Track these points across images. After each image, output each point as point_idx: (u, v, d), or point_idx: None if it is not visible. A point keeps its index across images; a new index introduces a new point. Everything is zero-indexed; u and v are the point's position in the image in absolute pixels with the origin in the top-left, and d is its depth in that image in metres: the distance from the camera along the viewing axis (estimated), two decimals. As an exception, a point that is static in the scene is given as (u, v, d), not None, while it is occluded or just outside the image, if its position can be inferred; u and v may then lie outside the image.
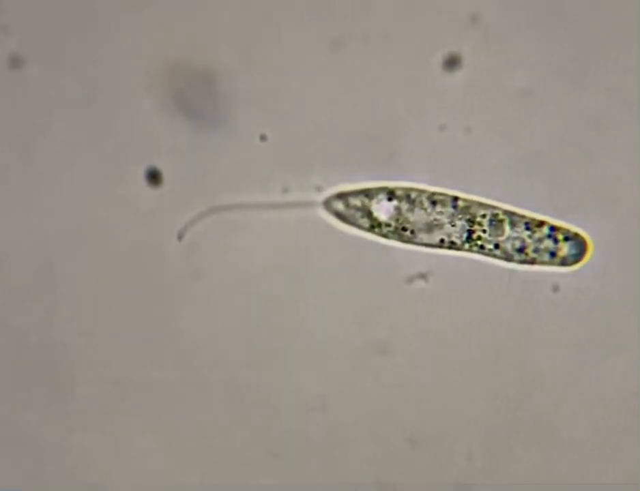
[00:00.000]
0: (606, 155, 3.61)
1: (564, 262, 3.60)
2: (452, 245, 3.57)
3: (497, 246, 3.57)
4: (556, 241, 3.58)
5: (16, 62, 3.62)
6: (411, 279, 3.63)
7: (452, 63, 3.57)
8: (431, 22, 3.58)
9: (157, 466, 3.74)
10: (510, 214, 3.58)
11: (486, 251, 3.58)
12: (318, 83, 3.62)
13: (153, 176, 3.62)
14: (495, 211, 3.57)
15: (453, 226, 3.53)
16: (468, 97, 3.59)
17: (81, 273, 3.69)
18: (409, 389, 3.72)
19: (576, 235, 3.59)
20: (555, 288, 3.64)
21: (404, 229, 3.54)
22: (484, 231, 3.55)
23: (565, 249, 3.57)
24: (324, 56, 3.59)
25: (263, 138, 3.61)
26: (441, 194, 3.57)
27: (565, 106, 3.60)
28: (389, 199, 3.52)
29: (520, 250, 3.58)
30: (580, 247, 3.59)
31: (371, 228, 3.57)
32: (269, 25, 3.61)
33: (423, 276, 3.62)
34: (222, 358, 3.70)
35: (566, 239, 3.58)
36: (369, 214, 3.53)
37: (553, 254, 3.58)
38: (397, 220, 3.53)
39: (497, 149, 3.61)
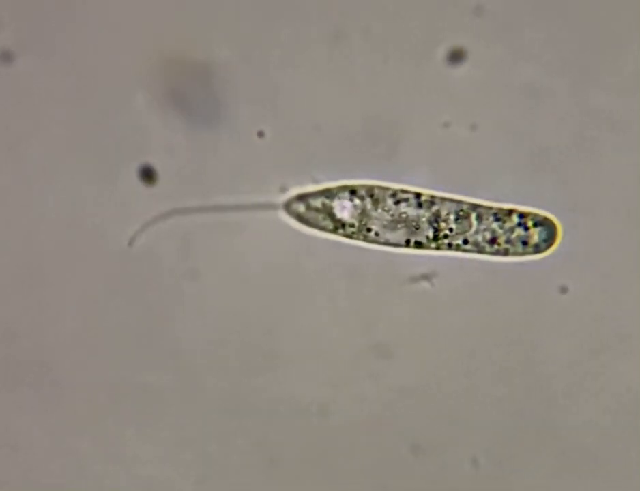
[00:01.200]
0: (616, 151, 3.61)
1: (537, 250, 3.61)
2: (419, 245, 3.56)
3: (466, 241, 3.55)
4: (526, 228, 3.58)
5: (5, 57, 3.60)
6: (413, 280, 3.61)
7: (456, 56, 3.56)
8: (434, 14, 3.57)
9: (152, 473, 3.72)
10: (476, 207, 3.58)
11: (454, 247, 3.58)
12: (318, 78, 3.61)
13: (147, 174, 3.59)
14: (461, 206, 3.57)
15: (417, 228, 3.54)
16: (473, 93, 3.59)
17: (73, 274, 3.67)
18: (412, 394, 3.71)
19: (545, 219, 3.60)
20: (563, 290, 3.61)
21: (368, 230, 3.55)
22: (451, 230, 3.56)
23: (536, 236, 3.59)
24: (324, 51, 3.58)
25: (260, 134, 3.59)
26: (404, 192, 3.57)
27: (573, 101, 3.60)
28: (351, 199, 3.53)
29: (492, 242, 3.57)
30: (550, 232, 3.61)
31: (335, 230, 3.56)
32: (267, 19, 3.60)
33: (427, 277, 3.60)
34: (219, 362, 3.70)
35: (535, 224, 3.59)
36: (331, 215, 3.51)
37: (525, 243, 3.59)
38: (360, 220, 3.54)
39: (502, 146, 3.61)
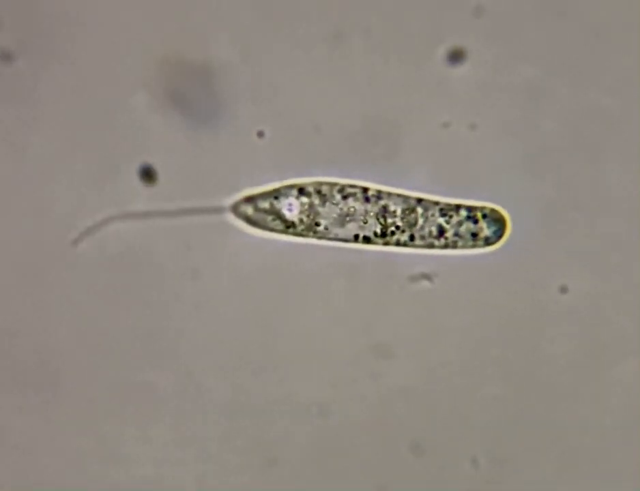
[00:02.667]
0: (616, 151, 3.61)
1: (487, 242, 3.62)
2: (367, 240, 3.57)
3: (412, 237, 3.58)
4: (475, 221, 3.59)
5: (5, 57, 3.60)
6: (413, 280, 3.60)
7: (456, 57, 3.56)
8: (434, 14, 3.57)
9: (152, 473, 3.71)
10: (423, 202, 3.59)
11: (402, 242, 3.59)
12: (318, 78, 3.60)
13: (147, 174, 3.59)
14: (408, 201, 3.58)
15: (365, 223, 3.54)
16: (473, 93, 3.59)
17: (72, 273, 3.66)
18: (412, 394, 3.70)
19: (493, 211, 3.61)
20: (563, 290, 3.61)
21: (317, 224, 3.56)
22: (397, 227, 3.56)
23: (485, 228, 3.60)
24: (324, 51, 3.57)
25: (260, 134, 3.59)
26: (352, 187, 3.57)
27: (573, 101, 3.60)
28: (297, 197, 3.53)
29: (439, 236, 3.58)
30: (499, 224, 3.61)
31: (286, 230, 3.58)
32: (267, 19, 3.59)
33: (427, 276, 3.59)
34: (219, 362, 3.69)
35: (484, 216, 3.60)
36: (279, 215, 3.53)
37: (474, 235, 3.60)
38: (308, 217, 3.55)
39: (502, 146, 3.61)
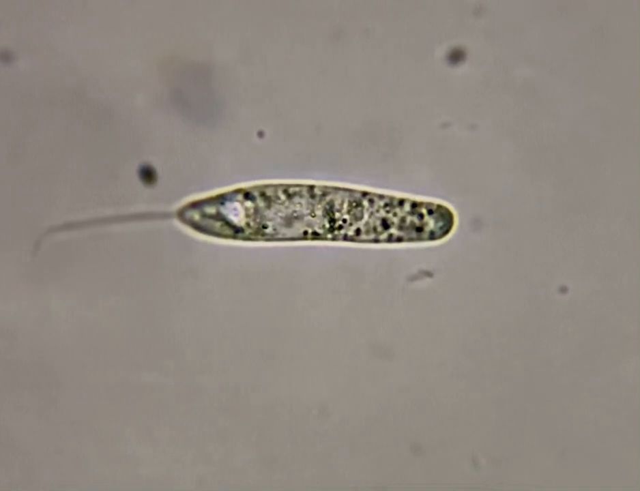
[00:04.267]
0: (615, 151, 3.61)
1: (432, 237, 3.63)
2: (316, 236, 3.56)
3: (358, 231, 3.58)
4: (421, 216, 3.60)
5: (5, 57, 3.59)
6: (414, 278, 3.60)
7: (456, 56, 3.56)
8: (434, 14, 3.57)
9: (152, 473, 3.71)
10: (370, 196, 3.59)
11: (350, 236, 3.59)
12: (318, 78, 3.60)
13: (147, 174, 3.58)
14: (354, 195, 3.58)
15: (313, 216, 3.55)
16: (472, 93, 3.59)
17: (72, 273, 3.66)
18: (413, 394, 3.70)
19: (440, 207, 3.62)
20: (563, 289, 3.61)
21: (264, 227, 3.56)
22: (345, 220, 3.57)
23: (431, 223, 3.61)
24: (324, 51, 3.57)
25: (260, 134, 3.59)
26: (296, 186, 3.58)
27: (573, 101, 3.60)
28: (240, 201, 3.54)
29: (385, 229, 3.60)
30: (446, 220, 3.62)
31: (234, 234, 3.58)
32: (267, 19, 3.59)
33: (428, 273, 3.60)
34: (218, 362, 3.69)
35: (430, 212, 3.60)
36: (225, 220, 3.55)
37: (419, 230, 3.61)
38: (255, 220, 3.56)
39: (502, 146, 3.61)
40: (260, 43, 3.59)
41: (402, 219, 3.59)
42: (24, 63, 3.59)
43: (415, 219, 3.60)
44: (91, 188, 3.62)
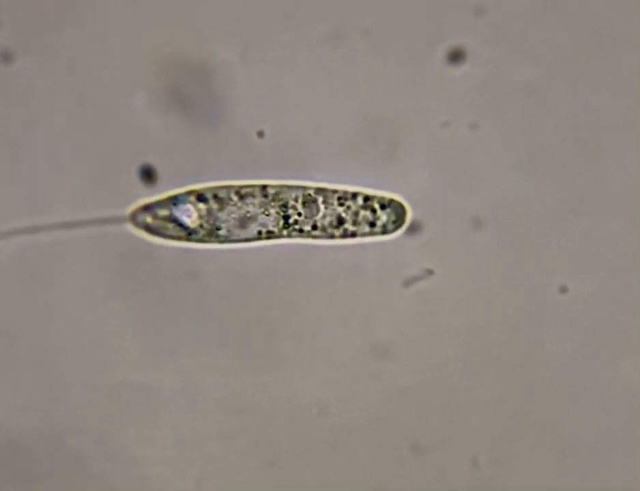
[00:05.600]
0: (615, 151, 3.61)
1: (385, 231, 3.64)
2: (271, 235, 3.57)
3: (315, 227, 3.58)
4: (373, 210, 3.60)
5: (5, 57, 3.59)
6: (414, 279, 3.59)
7: (456, 56, 3.56)
8: (434, 14, 3.57)
9: (152, 473, 3.71)
10: (322, 191, 3.60)
11: (305, 233, 3.60)
12: (318, 78, 3.60)
13: (147, 174, 3.58)
14: (307, 191, 3.59)
15: (267, 215, 3.56)
16: (473, 93, 3.59)
17: (74, 274, 3.66)
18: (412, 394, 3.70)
19: (392, 201, 3.62)
20: (563, 289, 3.61)
21: (217, 228, 3.56)
22: (300, 214, 3.58)
23: (384, 217, 3.61)
24: (324, 51, 3.57)
25: (260, 134, 3.59)
26: (248, 186, 3.58)
27: (573, 101, 3.60)
28: (192, 202, 3.54)
29: (339, 225, 3.59)
30: (399, 213, 3.62)
31: (187, 236, 3.58)
32: (267, 19, 3.59)
33: (428, 271, 3.60)
34: (218, 362, 3.68)
35: (382, 207, 3.61)
36: (178, 223, 3.54)
37: (372, 224, 3.61)
38: (208, 222, 3.56)
39: (502, 146, 3.61)
40: (260, 43, 3.59)
41: (356, 214, 3.60)
42: (24, 63, 3.58)
43: (369, 214, 3.60)
44: (91, 188, 3.63)
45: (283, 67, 3.58)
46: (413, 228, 3.64)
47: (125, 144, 3.59)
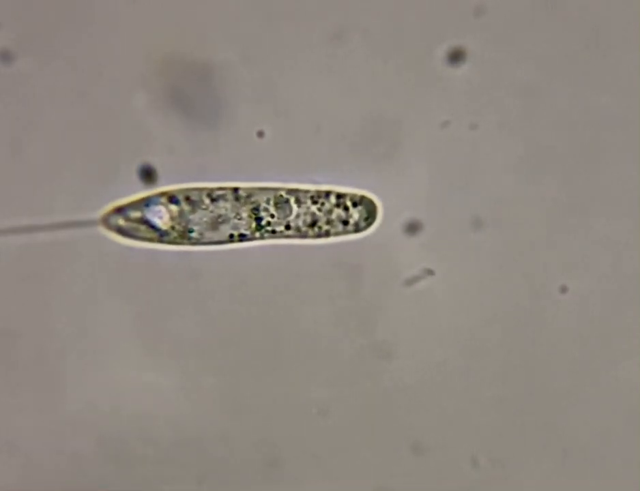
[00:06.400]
0: (616, 151, 3.61)
1: (357, 229, 3.64)
2: (243, 237, 3.57)
3: (288, 227, 3.58)
4: (346, 208, 3.60)
5: (5, 57, 3.58)
6: (414, 279, 3.59)
7: (456, 57, 3.55)
8: (434, 14, 3.56)
9: (151, 473, 3.71)
10: (294, 192, 3.60)
11: (278, 234, 3.60)
12: (318, 78, 3.59)
13: (147, 174, 3.58)
14: (278, 193, 3.58)
15: (240, 219, 3.55)
16: (473, 93, 3.59)
17: (73, 274, 3.65)
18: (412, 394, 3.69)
19: (363, 198, 3.62)
20: (563, 289, 3.60)
21: (190, 230, 3.55)
22: (272, 216, 3.57)
23: (355, 215, 3.61)
24: (324, 51, 3.56)
25: (260, 134, 3.58)
26: (220, 189, 3.58)
27: (573, 101, 3.60)
28: (164, 204, 3.53)
29: (313, 225, 3.59)
30: (370, 210, 3.63)
31: (159, 238, 3.57)
32: (267, 19, 3.58)
33: (429, 271, 3.59)
34: (218, 362, 3.68)
35: (354, 204, 3.61)
36: (150, 224, 3.54)
37: (345, 223, 3.61)
38: (180, 223, 3.55)
39: (502, 146, 3.60)
40: (260, 43, 3.58)
41: (329, 212, 3.60)
42: (24, 63, 3.58)
43: (341, 212, 3.60)
44: (91, 188, 3.62)
45: (283, 67, 3.58)
46: (413, 228, 3.64)
47: (125, 144, 3.59)
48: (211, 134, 3.58)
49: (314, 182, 3.59)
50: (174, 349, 3.65)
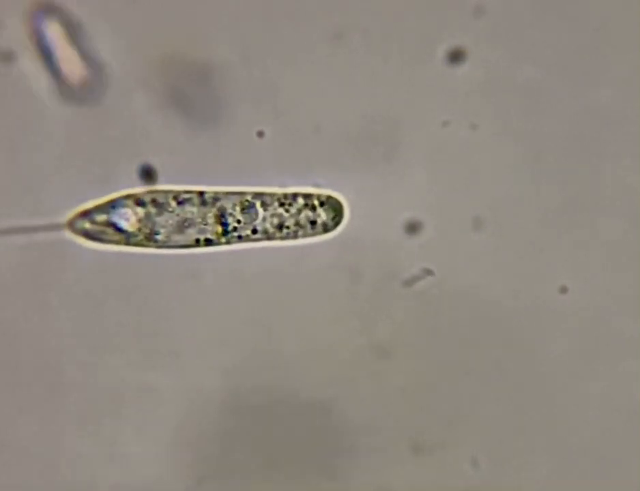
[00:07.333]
0: (616, 151, 3.61)
1: (326, 229, 3.64)
2: (209, 242, 3.57)
3: (255, 231, 3.58)
4: (313, 209, 3.61)
5: (5, 57, 3.57)
6: (414, 279, 3.58)
7: (456, 57, 3.56)
8: (434, 14, 3.56)
9: (152, 473, 3.70)
10: (260, 195, 3.59)
11: (244, 239, 3.60)
12: (318, 78, 3.60)
13: (147, 174, 3.58)
14: (245, 197, 3.58)
15: (205, 224, 3.54)
16: (473, 93, 3.59)
17: (72, 274, 3.64)
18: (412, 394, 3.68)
19: (330, 198, 3.62)
20: (563, 289, 3.61)
21: (156, 233, 3.55)
22: (239, 221, 3.57)
23: (323, 215, 3.61)
24: (324, 51, 3.56)
25: (260, 134, 3.58)
26: (187, 192, 3.57)
27: (573, 101, 3.60)
28: (130, 207, 3.52)
29: (280, 227, 3.59)
30: (337, 210, 3.63)
31: (126, 240, 3.56)
32: (267, 19, 3.58)
33: (428, 271, 3.58)
34: (218, 362, 3.68)
35: (322, 204, 3.61)
36: (116, 227, 3.52)
37: (313, 223, 3.62)
38: (146, 226, 3.54)
39: (502, 146, 3.60)
40: (260, 43, 3.58)
41: (298, 213, 3.60)
42: (24, 63, 3.57)
43: (309, 213, 3.60)
44: (92, 188, 3.62)
45: (283, 67, 3.58)
46: (413, 228, 3.64)
47: (125, 144, 3.59)
48: (211, 134, 3.58)
49: (316, 185, 3.59)
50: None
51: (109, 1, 3.58)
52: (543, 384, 3.69)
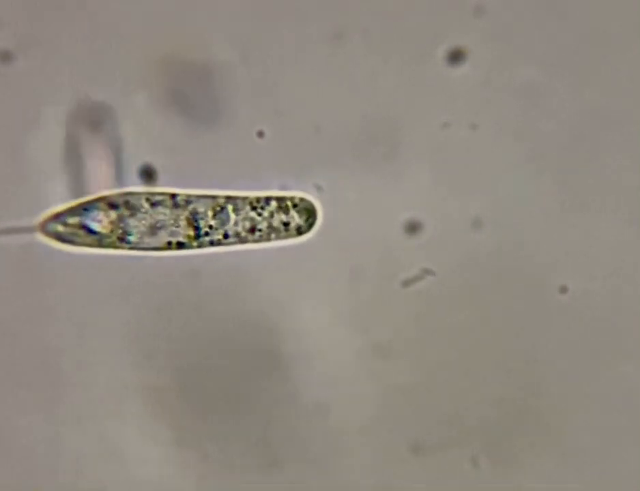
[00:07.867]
0: (616, 151, 3.61)
1: (300, 231, 3.63)
2: (181, 245, 3.56)
3: (226, 235, 3.58)
4: (287, 211, 3.60)
5: (5, 57, 3.58)
6: (413, 279, 3.58)
7: (456, 57, 3.56)
8: (434, 14, 3.57)
9: (152, 473, 3.71)
10: (232, 199, 3.59)
11: (216, 242, 3.58)
12: (318, 78, 3.60)
13: (147, 174, 3.58)
14: (217, 201, 3.57)
15: (177, 227, 3.54)
16: (473, 93, 3.59)
17: (73, 273, 3.65)
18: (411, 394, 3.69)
19: (302, 200, 3.62)
20: (563, 289, 3.60)
21: (128, 234, 3.54)
22: (210, 227, 3.56)
23: (296, 217, 3.61)
24: (324, 51, 3.57)
25: (260, 134, 3.58)
26: (160, 194, 3.56)
27: (573, 101, 3.60)
28: (102, 209, 3.52)
29: (252, 230, 3.59)
30: (310, 212, 3.63)
31: (98, 242, 3.56)
32: (267, 19, 3.59)
33: (429, 271, 3.58)
34: (219, 363, 3.68)
35: (295, 206, 3.61)
36: (88, 230, 3.52)
37: (286, 225, 3.61)
38: (118, 228, 3.53)
39: (502, 146, 3.60)
40: (260, 43, 3.59)
41: (270, 216, 3.60)
42: (24, 63, 3.58)
43: (282, 216, 3.60)
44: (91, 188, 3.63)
45: (283, 67, 3.59)
46: (413, 228, 3.64)
47: (125, 144, 3.59)
48: (211, 134, 3.58)
49: (317, 187, 3.60)
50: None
51: (110, 0, 3.59)
52: (543, 384, 3.69)
